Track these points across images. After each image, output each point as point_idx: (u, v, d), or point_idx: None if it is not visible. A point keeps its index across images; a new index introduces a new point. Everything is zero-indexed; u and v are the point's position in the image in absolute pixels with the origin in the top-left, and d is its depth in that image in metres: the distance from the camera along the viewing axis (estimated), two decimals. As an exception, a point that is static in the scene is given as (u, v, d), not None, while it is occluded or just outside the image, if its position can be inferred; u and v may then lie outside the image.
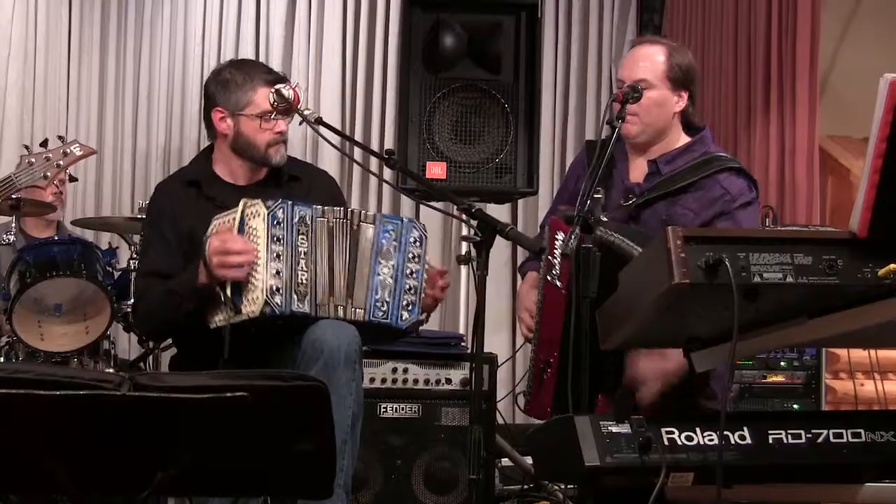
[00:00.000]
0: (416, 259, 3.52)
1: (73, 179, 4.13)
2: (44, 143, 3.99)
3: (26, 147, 4.09)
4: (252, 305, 3.32)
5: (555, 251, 3.33)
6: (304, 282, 3.37)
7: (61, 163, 3.93)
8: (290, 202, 3.40)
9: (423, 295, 3.53)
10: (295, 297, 3.35)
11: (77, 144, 4.01)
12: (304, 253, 3.39)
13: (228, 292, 3.34)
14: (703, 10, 6.54)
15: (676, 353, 3.18)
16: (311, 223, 3.42)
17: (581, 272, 3.11)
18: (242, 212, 3.37)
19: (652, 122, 3.57)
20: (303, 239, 3.40)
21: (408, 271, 3.51)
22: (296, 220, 3.39)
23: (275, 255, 3.33)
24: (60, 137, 4.03)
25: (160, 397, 2.45)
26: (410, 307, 3.50)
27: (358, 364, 3.40)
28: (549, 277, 3.35)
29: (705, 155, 3.58)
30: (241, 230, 3.36)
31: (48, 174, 3.91)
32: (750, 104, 6.13)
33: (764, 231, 3.21)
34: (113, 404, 2.43)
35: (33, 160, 3.90)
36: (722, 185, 3.51)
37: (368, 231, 3.50)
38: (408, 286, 3.50)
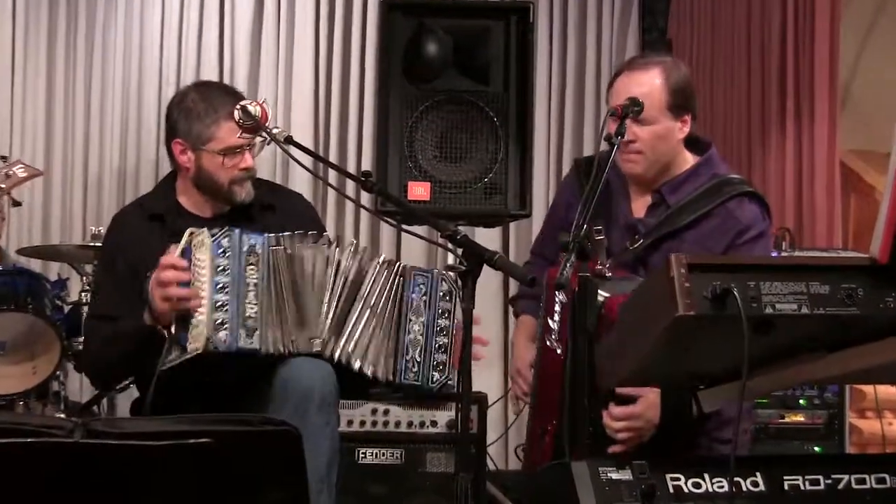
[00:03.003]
0: (447, 315, 3.56)
1: (16, 204, 4.11)
2: None
3: None
4: (196, 342, 3.33)
5: (554, 312, 3.34)
6: (254, 315, 3.39)
7: (3, 185, 3.94)
8: (237, 230, 3.42)
9: (453, 353, 3.57)
10: (243, 332, 3.37)
11: (21, 165, 4.01)
12: (254, 284, 3.40)
13: (174, 329, 3.36)
14: (713, 14, 6.58)
15: (649, 397, 3.20)
16: (263, 252, 3.44)
17: (577, 303, 3.13)
18: (189, 242, 3.38)
19: (658, 157, 3.57)
20: (252, 269, 3.41)
21: (438, 328, 3.55)
22: (244, 249, 3.41)
23: (219, 286, 3.35)
24: (2, 157, 4.03)
25: (117, 444, 2.46)
26: (441, 367, 3.55)
27: (334, 406, 3.40)
28: (547, 341, 3.36)
29: (713, 178, 3.59)
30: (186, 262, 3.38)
31: None
32: (764, 116, 6.17)
33: (776, 258, 3.23)
34: (64, 453, 2.44)
35: None
36: (733, 214, 3.52)
37: (396, 281, 3.56)
38: (438, 344, 3.55)
